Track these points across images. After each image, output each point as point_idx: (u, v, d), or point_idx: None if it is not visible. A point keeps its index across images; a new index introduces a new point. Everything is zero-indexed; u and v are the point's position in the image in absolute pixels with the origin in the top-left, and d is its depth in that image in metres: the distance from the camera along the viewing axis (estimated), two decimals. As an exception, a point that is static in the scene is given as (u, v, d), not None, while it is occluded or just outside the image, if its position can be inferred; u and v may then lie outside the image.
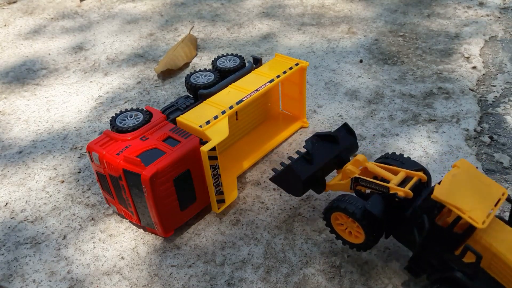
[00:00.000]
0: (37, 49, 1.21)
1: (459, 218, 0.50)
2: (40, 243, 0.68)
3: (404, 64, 1.02)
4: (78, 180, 0.79)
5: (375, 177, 0.60)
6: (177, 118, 0.69)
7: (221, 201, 0.69)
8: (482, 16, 1.18)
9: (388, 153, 0.63)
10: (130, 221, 0.70)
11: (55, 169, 0.82)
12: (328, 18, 1.23)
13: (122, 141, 0.66)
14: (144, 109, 0.71)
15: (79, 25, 1.32)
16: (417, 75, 0.98)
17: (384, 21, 1.20)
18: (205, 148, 0.62)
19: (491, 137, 0.80)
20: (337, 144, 0.66)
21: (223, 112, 0.68)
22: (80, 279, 0.62)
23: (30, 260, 0.66)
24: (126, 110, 0.71)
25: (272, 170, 0.67)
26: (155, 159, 0.62)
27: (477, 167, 0.74)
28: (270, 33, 1.19)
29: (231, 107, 0.69)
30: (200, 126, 0.66)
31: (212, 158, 0.64)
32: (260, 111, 0.86)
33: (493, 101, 0.89)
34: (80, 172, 0.80)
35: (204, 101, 0.72)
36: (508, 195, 0.52)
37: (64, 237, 0.69)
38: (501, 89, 0.92)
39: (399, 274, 0.60)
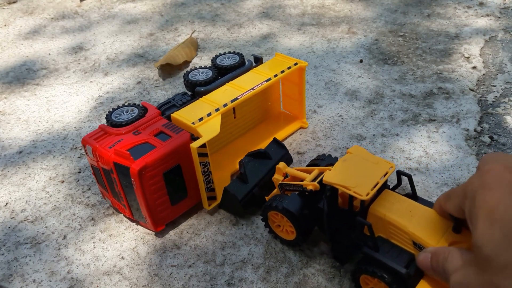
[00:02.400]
0: (37, 49, 1.21)
1: (352, 197, 0.54)
2: (40, 243, 0.68)
3: (404, 64, 1.02)
4: (78, 180, 0.79)
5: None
6: (171, 114, 0.69)
7: (212, 198, 0.69)
8: (482, 16, 1.18)
9: (319, 154, 0.69)
10: (126, 217, 0.70)
11: (55, 169, 0.82)
12: (328, 18, 1.23)
13: (115, 135, 0.66)
14: (140, 105, 0.72)
15: (79, 25, 1.32)
16: (417, 75, 0.98)
17: (384, 21, 1.19)
18: (194, 145, 0.63)
19: (491, 137, 0.80)
20: (269, 159, 0.70)
21: (217, 110, 0.69)
22: (80, 279, 0.62)
23: (30, 260, 0.66)
24: (123, 105, 0.72)
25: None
26: (145, 153, 0.62)
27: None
28: (270, 33, 1.19)
29: (225, 105, 0.69)
30: (193, 123, 0.66)
31: (202, 155, 0.64)
32: (260, 110, 0.86)
33: (493, 101, 0.89)
34: (80, 172, 0.80)
35: (200, 99, 0.72)
36: (399, 170, 0.57)
37: (64, 237, 0.69)
38: (501, 89, 0.92)
39: (399, 274, 0.60)
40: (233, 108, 0.79)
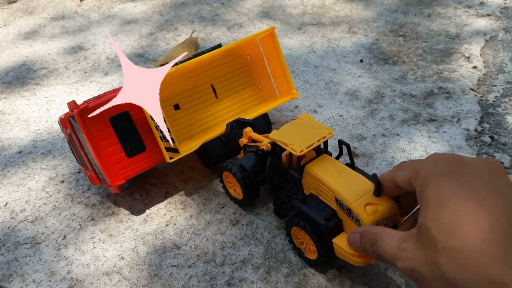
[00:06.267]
0: (37, 49, 1.21)
1: (291, 155, 0.60)
2: (40, 243, 0.68)
3: (404, 63, 1.02)
4: (78, 180, 0.79)
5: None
6: None
7: (173, 151, 0.70)
8: (482, 15, 1.18)
9: None
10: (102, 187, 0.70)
11: (55, 169, 0.81)
12: (329, 18, 1.23)
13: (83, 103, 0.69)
14: None
15: (79, 25, 1.32)
16: (417, 74, 0.98)
17: (385, 21, 1.19)
18: None
19: (491, 137, 0.80)
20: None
21: (175, 65, 0.72)
22: (80, 279, 0.62)
23: (30, 260, 0.66)
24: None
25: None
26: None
27: (477, 167, 0.74)
28: (270, 32, 1.19)
29: (183, 61, 0.74)
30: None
31: None
32: (249, 94, 0.85)
33: (493, 101, 0.89)
34: (80, 172, 0.80)
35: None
36: (340, 139, 0.63)
37: (64, 237, 0.68)
38: (502, 89, 0.92)
39: (399, 275, 0.59)
40: (213, 88, 0.80)
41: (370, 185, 0.55)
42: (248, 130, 0.72)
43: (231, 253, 0.64)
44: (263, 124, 0.80)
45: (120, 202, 0.74)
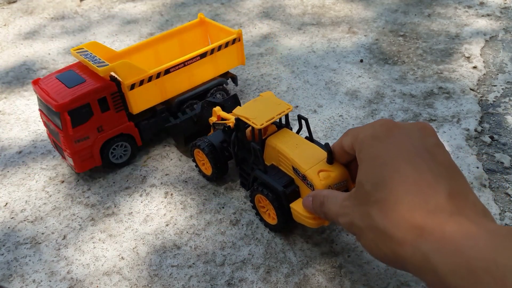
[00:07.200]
0: (37, 49, 1.21)
1: (254, 129, 0.64)
2: (40, 243, 0.68)
3: (404, 63, 1.02)
4: (78, 180, 0.79)
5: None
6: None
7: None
8: (482, 15, 1.18)
9: None
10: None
11: (55, 169, 0.82)
12: (329, 18, 1.23)
13: None
14: None
15: (79, 24, 1.32)
16: (417, 75, 0.98)
17: (385, 21, 1.19)
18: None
19: (491, 137, 0.80)
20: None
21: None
22: (80, 279, 0.62)
23: (30, 260, 0.66)
24: None
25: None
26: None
27: (477, 167, 0.74)
28: (271, 32, 1.19)
29: None
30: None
31: None
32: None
33: (493, 101, 0.89)
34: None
35: None
36: (300, 114, 0.67)
37: (64, 237, 0.68)
38: (502, 89, 0.92)
39: (400, 274, 0.59)
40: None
41: (324, 154, 0.59)
42: (217, 109, 0.76)
43: (231, 253, 0.64)
44: (233, 104, 0.84)
45: (120, 202, 0.74)
